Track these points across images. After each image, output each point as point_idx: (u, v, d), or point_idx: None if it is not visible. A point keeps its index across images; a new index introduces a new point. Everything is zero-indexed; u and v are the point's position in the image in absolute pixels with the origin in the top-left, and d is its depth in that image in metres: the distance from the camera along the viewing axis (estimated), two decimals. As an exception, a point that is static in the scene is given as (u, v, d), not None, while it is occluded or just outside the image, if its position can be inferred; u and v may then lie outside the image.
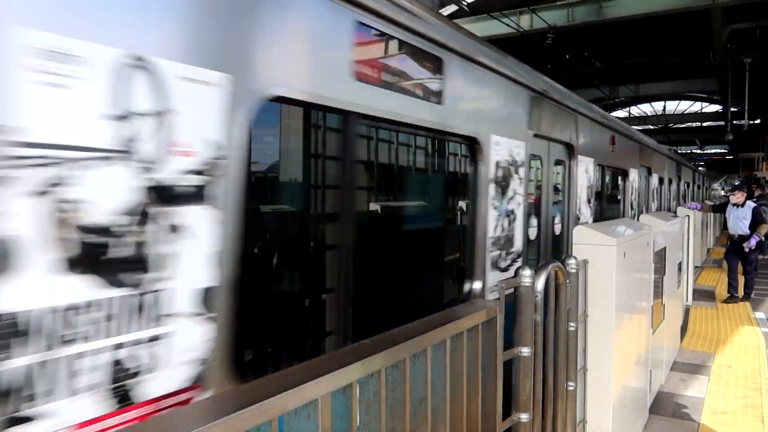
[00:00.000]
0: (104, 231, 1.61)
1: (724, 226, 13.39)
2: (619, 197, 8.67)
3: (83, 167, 1.55)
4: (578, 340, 3.60)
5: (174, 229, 1.80)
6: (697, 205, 12.63)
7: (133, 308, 1.69)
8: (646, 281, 4.89)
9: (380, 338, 1.97)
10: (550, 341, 3.19)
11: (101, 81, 1.59)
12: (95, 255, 1.59)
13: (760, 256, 11.46)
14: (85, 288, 1.56)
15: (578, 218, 6.11)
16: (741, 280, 10.58)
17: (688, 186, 18.30)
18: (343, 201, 2.73)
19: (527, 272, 2.82)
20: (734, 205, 10.72)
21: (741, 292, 10.46)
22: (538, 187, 5.32)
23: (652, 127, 36.05)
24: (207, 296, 1.90)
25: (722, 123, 28.12)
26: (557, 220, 5.76)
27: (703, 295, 10.87)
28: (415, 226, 3.85)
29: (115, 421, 1.62)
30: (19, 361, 1.42)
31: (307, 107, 2.57)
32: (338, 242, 2.71)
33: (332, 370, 1.61)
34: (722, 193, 38.23)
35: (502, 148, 4.12)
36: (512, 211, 4.32)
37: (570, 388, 3.48)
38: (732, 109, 24.69)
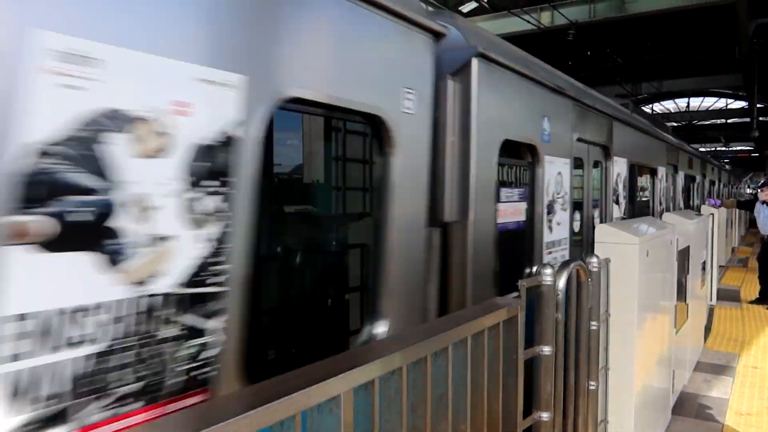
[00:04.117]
0: None
1: (751, 225, 13.08)
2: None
3: None
4: (600, 339, 3.57)
5: None
6: (716, 202, 12.16)
7: None
8: (669, 280, 4.82)
9: (401, 336, 1.98)
10: (572, 340, 3.16)
11: None
12: None
13: None
14: None
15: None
16: None
17: (713, 184, 17.98)
18: None
19: (548, 270, 2.80)
20: (763, 202, 10.06)
21: None
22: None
23: (675, 124, 35.47)
24: None
25: (748, 120, 27.55)
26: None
27: (728, 294, 10.68)
28: None
29: None
30: None
31: None
32: None
33: (354, 367, 1.62)
34: (749, 191, 37.41)
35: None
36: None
37: (591, 388, 3.45)
38: (758, 105, 24.21)
